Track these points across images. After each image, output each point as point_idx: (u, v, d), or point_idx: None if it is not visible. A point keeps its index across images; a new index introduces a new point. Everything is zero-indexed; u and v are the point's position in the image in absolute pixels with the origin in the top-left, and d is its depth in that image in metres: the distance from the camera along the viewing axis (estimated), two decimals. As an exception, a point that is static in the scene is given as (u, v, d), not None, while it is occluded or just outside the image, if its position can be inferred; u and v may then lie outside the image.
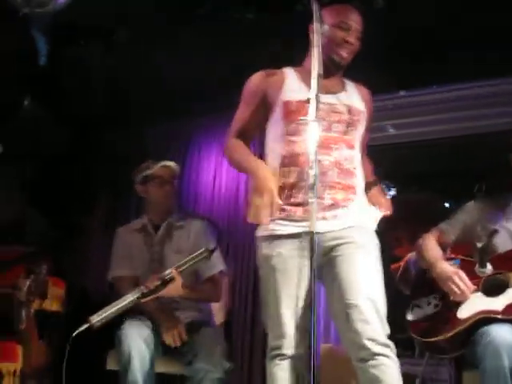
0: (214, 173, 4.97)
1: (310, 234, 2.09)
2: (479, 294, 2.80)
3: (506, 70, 4.06)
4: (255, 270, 4.35)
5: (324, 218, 2.44)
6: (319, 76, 2.31)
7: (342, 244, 2.44)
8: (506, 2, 3.52)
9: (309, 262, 2.24)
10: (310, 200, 2.18)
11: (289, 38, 3.99)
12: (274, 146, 2.59)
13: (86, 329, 2.90)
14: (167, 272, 3.09)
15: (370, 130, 2.73)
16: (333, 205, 2.47)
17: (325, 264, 2.47)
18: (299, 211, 2.47)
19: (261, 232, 2.57)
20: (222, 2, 3.96)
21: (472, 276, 2.83)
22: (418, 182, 4.53)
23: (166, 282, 3.07)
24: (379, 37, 3.60)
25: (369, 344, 2.30)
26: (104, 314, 2.98)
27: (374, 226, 2.55)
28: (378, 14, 3.62)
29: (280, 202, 2.38)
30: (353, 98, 2.64)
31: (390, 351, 2.33)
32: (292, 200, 2.49)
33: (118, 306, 3.01)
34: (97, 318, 2.96)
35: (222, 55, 4.34)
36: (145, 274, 3.29)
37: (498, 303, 2.73)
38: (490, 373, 2.48)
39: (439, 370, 3.57)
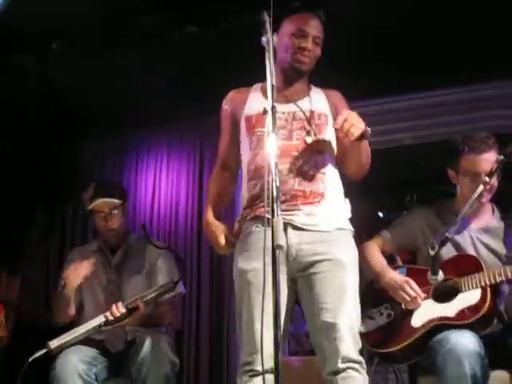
0: (153, 186, 4.87)
1: (276, 247, 2.03)
2: (430, 301, 2.83)
3: (443, 80, 4.15)
4: (198, 284, 4.42)
5: (293, 227, 2.44)
6: (272, 87, 2.28)
7: (321, 261, 2.43)
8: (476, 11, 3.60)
9: (279, 275, 2.23)
10: (271, 212, 2.11)
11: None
12: (244, 162, 2.65)
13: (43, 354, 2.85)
14: (131, 300, 3.06)
15: None
16: (294, 211, 2.46)
17: (302, 279, 2.47)
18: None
19: (237, 244, 2.58)
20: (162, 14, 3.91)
21: (420, 283, 2.85)
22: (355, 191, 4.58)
23: (130, 311, 3.03)
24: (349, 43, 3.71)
25: (342, 360, 2.35)
26: (64, 340, 2.91)
27: (347, 226, 2.55)
28: (351, 22, 3.67)
29: (222, 242, 2.59)
30: (317, 102, 2.64)
31: (360, 367, 2.39)
32: (260, 210, 2.48)
33: (79, 332, 2.97)
34: (56, 344, 2.90)
35: (158, 68, 4.30)
36: (102, 298, 3.29)
37: (450, 309, 2.76)
38: (452, 381, 2.50)
39: (388, 376, 3.58)
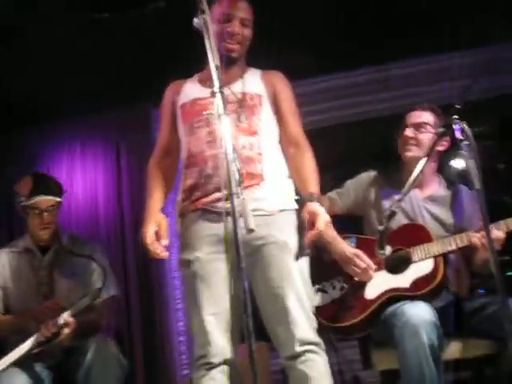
0: (70, 183, 4.61)
1: (248, 232, 1.94)
2: (383, 272, 2.83)
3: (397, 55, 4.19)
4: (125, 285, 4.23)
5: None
6: (217, 68, 2.18)
7: (265, 245, 2.37)
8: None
9: (232, 263, 2.27)
10: (233, 195, 2.00)
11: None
12: (182, 151, 2.59)
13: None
14: (61, 318, 2.89)
15: (298, 113, 2.62)
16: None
17: (248, 266, 2.33)
18: (209, 211, 2.42)
19: (180, 235, 2.51)
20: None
21: (371, 254, 2.83)
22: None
23: (61, 328, 2.87)
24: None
25: (298, 344, 2.32)
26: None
27: (290, 206, 2.49)
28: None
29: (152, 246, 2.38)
30: (250, 83, 2.57)
31: (318, 348, 2.36)
32: (200, 200, 2.43)
33: (10, 361, 2.82)
34: None
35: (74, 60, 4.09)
36: (32, 299, 3.10)
37: (404, 280, 2.78)
38: (411, 353, 2.50)
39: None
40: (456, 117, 2.35)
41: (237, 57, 2.57)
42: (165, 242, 2.39)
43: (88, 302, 2.99)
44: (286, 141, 2.57)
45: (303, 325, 2.34)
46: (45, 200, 3.19)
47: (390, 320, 2.64)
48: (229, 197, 1.98)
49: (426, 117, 2.97)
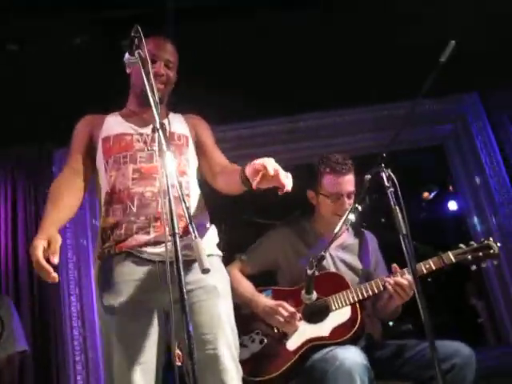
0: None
1: (203, 272, 1.86)
2: (302, 322, 2.83)
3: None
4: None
5: (159, 255, 2.27)
6: (156, 103, 2.15)
7: (194, 290, 2.27)
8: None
9: (160, 308, 2.25)
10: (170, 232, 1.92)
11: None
12: (100, 187, 2.46)
13: None
14: None
15: (218, 150, 2.61)
16: (160, 239, 2.28)
17: (176, 311, 2.24)
18: (137, 252, 2.29)
19: (100, 279, 2.35)
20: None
21: (290, 305, 2.84)
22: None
23: None
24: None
25: None
26: None
27: (216, 251, 2.44)
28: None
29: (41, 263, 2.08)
30: (176, 124, 2.56)
31: None
32: (124, 243, 2.30)
33: None
34: None
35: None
36: None
37: (323, 329, 2.79)
38: None
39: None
40: (383, 165, 2.43)
41: (161, 97, 2.47)
42: (56, 259, 2.09)
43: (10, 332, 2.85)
44: (214, 172, 2.50)
45: (233, 374, 2.25)
46: None
47: (320, 366, 2.62)
48: (172, 236, 1.90)
49: (353, 182, 2.97)
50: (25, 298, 3.96)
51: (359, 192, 2.74)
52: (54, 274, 2.11)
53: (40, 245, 2.11)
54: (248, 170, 2.16)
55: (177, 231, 1.91)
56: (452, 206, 6.08)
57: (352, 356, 2.56)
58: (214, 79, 3.79)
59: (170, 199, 1.96)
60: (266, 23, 3.82)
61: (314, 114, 4.39)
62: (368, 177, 2.66)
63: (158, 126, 2.07)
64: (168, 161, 2.00)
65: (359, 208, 2.55)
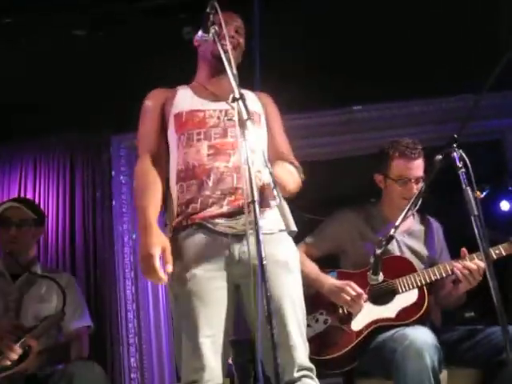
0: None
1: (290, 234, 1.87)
2: (368, 304, 2.83)
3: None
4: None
5: (232, 228, 2.28)
6: (234, 76, 2.18)
7: (265, 264, 2.17)
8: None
9: (231, 281, 2.25)
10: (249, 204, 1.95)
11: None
12: (172, 163, 2.44)
13: None
14: (23, 340, 2.71)
15: (283, 135, 2.60)
16: (234, 212, 2.29)
17: (247, 285, 2.25)
18: (210, 224, 2.29)
19: (171, 249, 2.29)
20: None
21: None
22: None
23: (25, 351, 2.69)
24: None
25: (297, 369, 2.22)
26: None
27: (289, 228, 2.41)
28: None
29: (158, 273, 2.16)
30: (249, 100, 2.42)
31: (313, 373, 2.27)
32: (198, 215, 2.30)
33: None
34: None
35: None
36: None
37: (389, 311, 2.78)
38: (413, 375, 2.46)
39: None
40: (455, 145, 2.40)
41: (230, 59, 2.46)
42: (170, 267, 2.19)
43: (49, 324, 2.84)
44: (270, 158, 2.42)
45: (302, 349, 2.24)
46: (16, 210, 3.02)
47: (388, 345, 2.61)
48: (252, 205, 1.91)
49: (422, 167, 2.95)
50: (81, 277, 4.01)
51: (428, 173, 2.74)
52: (165, 279, 2.19)
53: (157, 254, 2.16)
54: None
55: (256, 199, 1.93)
56: (504, 206, 5.92)
57: (422, 335, 2.55)
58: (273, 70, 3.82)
59: (249, 167, 1.97)
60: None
61: (372, 105, 4.35)
62: (439, 157, 2.63)
63: (237, 95, 2.09)
64: (249, 129, 2.00)
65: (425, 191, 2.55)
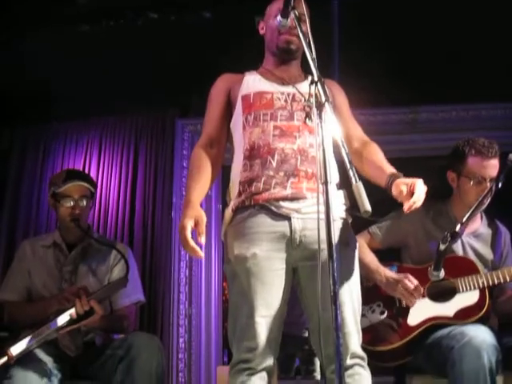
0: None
1: (364, 214, 1.87)
2: (426, 300, 2.80)
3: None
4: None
5: (295, 210, 2.28)
6: (313, 60, 2.18)
7: (324, 249, 2.17)
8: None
9: (289, 264, 2.26)
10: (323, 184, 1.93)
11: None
12: (237, 143, 2.48)
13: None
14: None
15: (353, 118, 2.59)
16: (297, 195, 2.30)
17: (305, 269, 2.28)
18: (273, 206, 2.30)
19: (231, 228, 2.35)
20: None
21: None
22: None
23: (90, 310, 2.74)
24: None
25: (349, 356, 2.22)
26: (26, 345, 2.57)
27: (347, 216, 2.41)
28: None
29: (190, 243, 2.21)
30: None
31: (365, 362, 2.27)
32: (261, 195, 2.31)
33: (42, 335, 2.62)
34: (18, 351, 2.55)
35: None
36: (53, 294, 2.97)
37: (448, 309, 2.75)
38: (470, 374, 2.43)
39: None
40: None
41: (294, 49, 2.50)
42: (203, 239, 2.22)
43: (112, 289, 2.91)
44: (351, 144, 2.49)
45: (355, 337, 2.24)
46: (78, 186, 3.10)
47: (445, 342, 2.58)
48: (324, 185, 1.91)
49: (497, 167, 2.86)
50: (138, 252, 4.09)
51: (499, 172, 2.71)
52: (201, 254, 2.24)
53: (188, 225, 2.20)
54: (394, 190, 2.22)
55: (329, 179, 1.93)
56: None
57: (482, 334, 2.51)
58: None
59: (323, 148, 1.97)
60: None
61: (438, 106, 4.30)
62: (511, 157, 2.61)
63: (316, 78, 2.09)
64: (328, 112, 2.00)
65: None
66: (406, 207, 2.18)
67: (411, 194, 2.18)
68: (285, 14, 2.33)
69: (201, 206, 2.35)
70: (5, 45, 4.08)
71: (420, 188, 2.18)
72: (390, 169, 2.33)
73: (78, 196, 3.08)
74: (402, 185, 2.20)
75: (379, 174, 2.34)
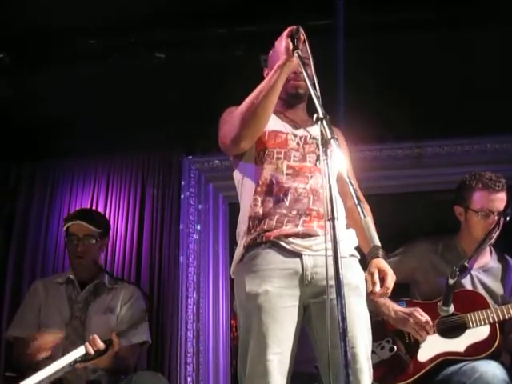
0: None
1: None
2: (436, 335, 2.79)
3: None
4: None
5: (306, 248, 2.29)
6: (318, 97, 2.20)
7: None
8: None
9: (301, 301, 2.27)
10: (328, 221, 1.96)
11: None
12: (246, 177, 2.50)
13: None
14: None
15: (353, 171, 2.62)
16: (308, 233, 2.32)
17: (315, 306, 2.29)
18: (284, 243, 2.31)
19: (242, 265, 2.35)
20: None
21: None
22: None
23: (106, 346, 2.76)
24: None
25: None
26: (38, 380, 2.59)
27: (356, 253, 2.43)
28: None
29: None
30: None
31: None
32: (273, 232, 2.32)
33: (54, 370, 2.64)
34: None
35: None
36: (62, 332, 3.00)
37: (458, 344, 2.73)
38: None
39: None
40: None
41: (303, 94, 2.55)
42: None
43: (135, 323, 2.96)
44: (344, 196, 2.50)
45: (367, 374, 2.22)
46: (79, 225, 3.16)
47: (456, 379, 2.57)
48: (331, 221, 1.93)
49: (505, 201, 2.89)
50: (145, 289, 3.99)
51: (507, 205, 2.72)
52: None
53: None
54: (369, 267, 2.30)
55: (336, 215, 1.94)
56: None
57: (493, 369, 2.50)
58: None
59: (330, 185, 1.99)
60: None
61: (443, 140, 4.32)
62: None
63: (321, 115, 2.11)
64: (334, 147, 2.02)
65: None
66: (370, 291, 2.26)
67: (381, 280, 2.25)
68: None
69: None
70: (14, 81, 4.12)
71: (390, 282, 2.27)
72: (374, 241, 2.23)
73: (82, 235, 3.14)
74: (374, 268, 2.28)
75: (364, 244, 2.44)
